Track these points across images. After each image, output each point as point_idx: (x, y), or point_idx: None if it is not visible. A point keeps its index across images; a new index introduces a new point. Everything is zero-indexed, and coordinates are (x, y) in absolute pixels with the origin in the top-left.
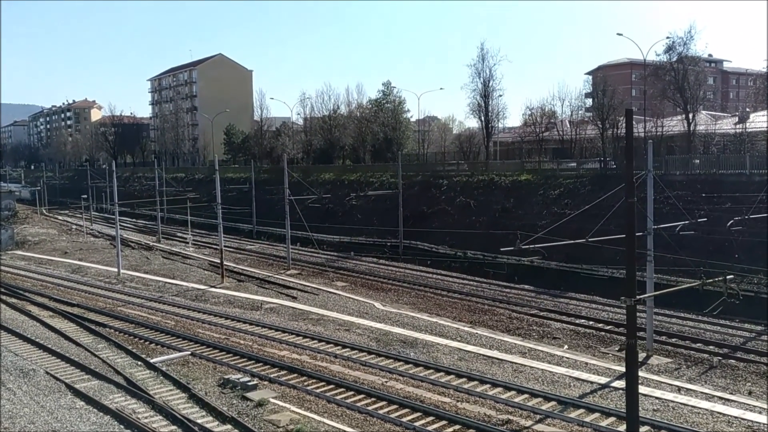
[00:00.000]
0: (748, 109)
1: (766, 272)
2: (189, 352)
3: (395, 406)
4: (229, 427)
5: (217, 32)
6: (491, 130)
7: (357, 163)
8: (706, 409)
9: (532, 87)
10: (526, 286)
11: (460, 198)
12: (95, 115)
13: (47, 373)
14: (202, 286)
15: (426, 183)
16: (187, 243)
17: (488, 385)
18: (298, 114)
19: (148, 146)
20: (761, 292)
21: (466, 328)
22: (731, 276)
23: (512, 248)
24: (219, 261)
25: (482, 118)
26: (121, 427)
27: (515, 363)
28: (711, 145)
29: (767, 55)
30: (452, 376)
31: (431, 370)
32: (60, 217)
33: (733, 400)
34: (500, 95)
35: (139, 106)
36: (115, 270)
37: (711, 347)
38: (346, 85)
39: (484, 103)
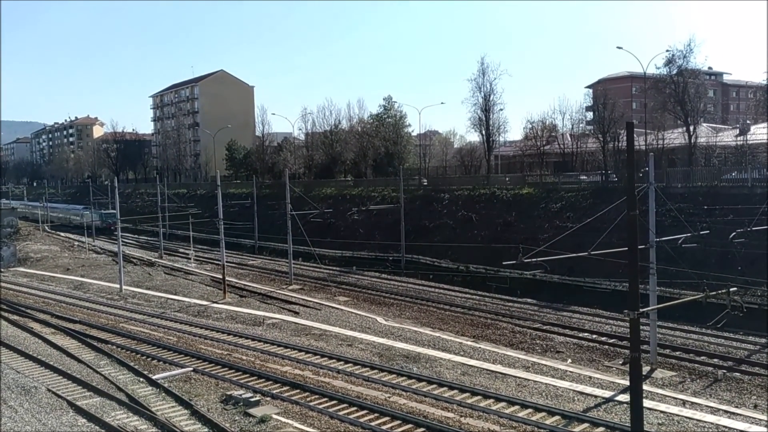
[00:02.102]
0: (748, 122)
1: None
2: (191, 369)
3: (398, 422)
4: None
5: (219, 48)
6: (492, 143)
7: (358, 178)
8: (712, 423)
9: (532, 101)
10: (529, 300)
11: (461, 212)
12: (97, 132)
13: (49, 390)
14: (204, 302)
15: (427, 197)
16: (189, 259)
17: (492, 400)
18: (300, 129)
19: (150, 162)
20: (765, 305)
21: (469, 343)
22: (734, 288)
23: (514, 262)
24: (221, 276)
25: (483, 132)
26: None
27: (519, 377)
28: (712, 158)
29: (767, 68)
30: (455, 391)
31: (434, 385)
32: (62, 234)
33: (738, 414)
34: (501, 109)
35: (141, 122)
36: (117, 286)
37: (715, 360)
38: (347, 100)
39: (485, 117)
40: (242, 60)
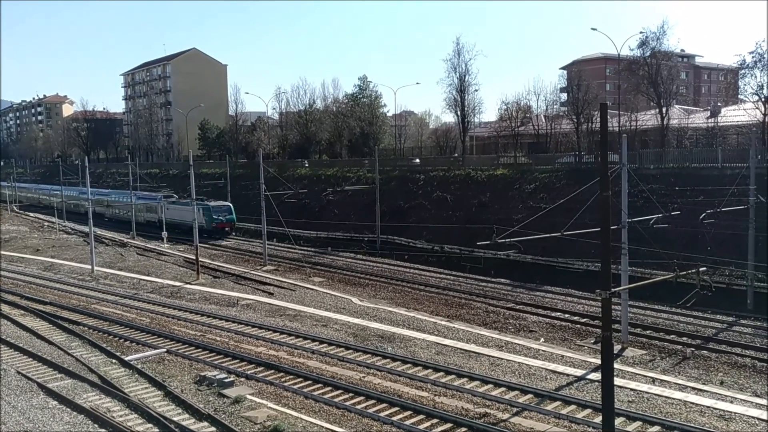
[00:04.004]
0: (719, 104)
1: (738, 264)
2: (164, 350)
3: (373, 401)
4: (205, 424)
5: (191, 26)
6: (467, 124)
7: (333, 158)
8: (680, 400)
9: (507, 82)
10: (503, 280)
11: (437, 193)
12: (67, 111)
13: (18, 372)
14: (177, 283)
15: (403, 178)
16: (162, 239)
17: (465, 379)
18: (274, 109)
19: (122, 142)
20: (733, 284)
21: (443, 322)
22: (704, 268)
23: (488, 242)
24: (194, 257)
25: (458, 113)
26: (96, 426)
27: (492, 356)
28: (684, 139)
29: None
30: (430, 371)
31: (409, 365)
32: (31, 214)
33: (705, 390)
34: (476, 90)
35: (112, 101)
36: (89, 267)
37: (684, 338)
38: (321, 79)
39: (460, 97)
40: (215, 38)
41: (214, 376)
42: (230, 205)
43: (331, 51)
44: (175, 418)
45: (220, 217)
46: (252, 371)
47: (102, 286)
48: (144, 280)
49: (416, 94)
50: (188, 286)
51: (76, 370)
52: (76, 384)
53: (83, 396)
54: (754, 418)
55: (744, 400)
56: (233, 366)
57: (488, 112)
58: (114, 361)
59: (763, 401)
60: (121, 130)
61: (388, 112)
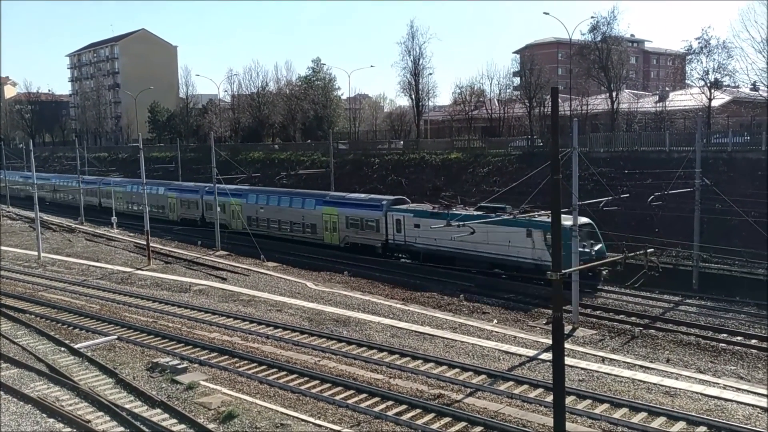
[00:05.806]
0: (667, 88)
1: (684, 245)
2: (115, 337)
3: (328, 385)
4: (158, 411)
5: (140, 6)
6: (422, 108)
7: (287, 142)
8: (628, 378)
9: (461, 66)
10: None
11: (392, 176)
12: (9, 92)
13: None
14: (128, 269)
15: (358, 161)
16: (112, 225)
17: (420, 361)
18: (226, 91)
19: (68, 125)
20: (679, 265)
21: (398, 305)
22: (651, 249)
23: (443, 225)
24: (145, 242)
25: (413, 97)
26: (44, 415)
27: (446, 338)
28: (633, 123)
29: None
30: (385, 353)
31: (364, 348)
32: None
33: (652, 368)
34: (430, 74)
35: (57, 82)
36: (35, 253)
37: (633, 318)
38: (274, 61)
39: (415, 81)
40: (165, 19)
41: (167, 362)
42: (592, 222)
43: (285, 33)
44: (127, 406)
45: (586, 249)
46: (205, 357)
47: (49, 273)
48: (93, 266)
49: (371, 78)
50: (139, 271)
51: (22, 359)
52: (23, 373)
53: (30, 385)
54: (697, 393)
55: (688, 377)
56: (186, 352)
57: (442, 96)
58: (63, 349)
59: (706, 377)
60: (68, 113)
61: (342, 95)
